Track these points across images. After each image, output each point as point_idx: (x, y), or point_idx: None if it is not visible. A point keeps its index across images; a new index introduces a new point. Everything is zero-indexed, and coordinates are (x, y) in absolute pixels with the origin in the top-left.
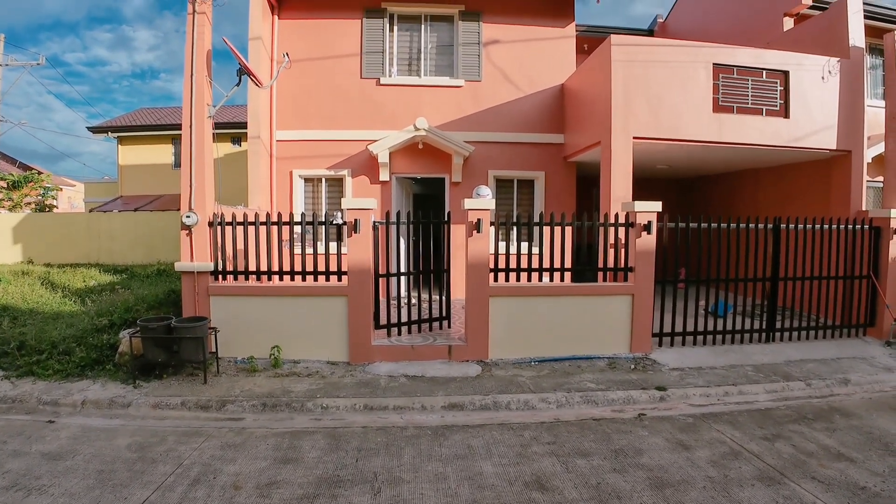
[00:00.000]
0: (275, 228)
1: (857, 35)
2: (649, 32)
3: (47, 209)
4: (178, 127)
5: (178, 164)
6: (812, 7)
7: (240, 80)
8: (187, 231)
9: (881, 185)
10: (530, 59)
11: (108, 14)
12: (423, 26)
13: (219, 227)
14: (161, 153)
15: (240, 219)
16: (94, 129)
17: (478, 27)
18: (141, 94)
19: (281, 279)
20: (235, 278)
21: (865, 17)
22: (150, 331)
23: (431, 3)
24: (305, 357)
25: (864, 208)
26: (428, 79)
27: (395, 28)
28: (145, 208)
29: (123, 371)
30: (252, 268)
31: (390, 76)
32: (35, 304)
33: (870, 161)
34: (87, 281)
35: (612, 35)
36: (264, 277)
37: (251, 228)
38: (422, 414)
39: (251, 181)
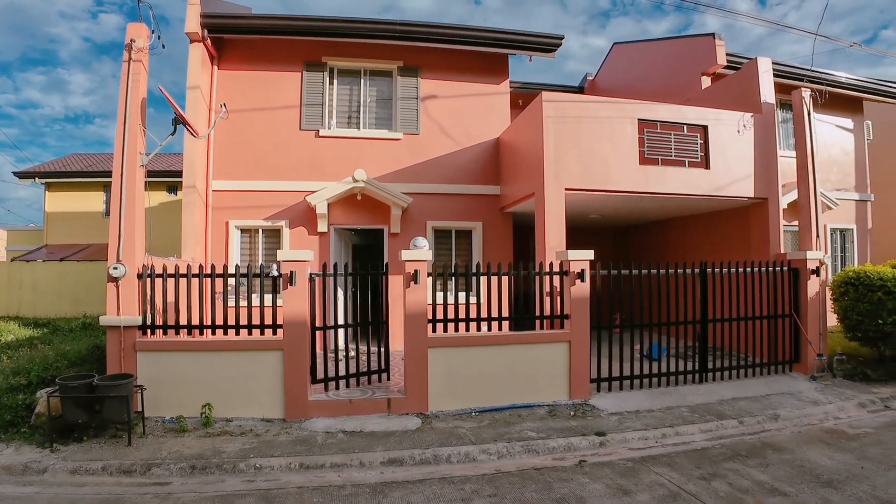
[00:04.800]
0: (208, 281)
1: (767, 92)
2: (580, 89)
3: None
4: (111, 174)
5: (108, 213)
6: (727, 67)
7: (175, 129)
8: (115, 283)
9: (797, 228)
10: (467, 113)
11: (44, 56)
12: (362, 80)
13: (148, 280)
14: (91, 201)
15: (171, 270)
16: (21, 175)
17: (416, 82)
18: (74, 138)
19: (213, 333)
20: (165, 333)
21: (775, 75)
22: (69, 389)
23: (371, 59)
24: (239, 415)
25: (782, 251)
26: (367, 131)
27: (335, 81)
28: (72, 258)
29: (40, 434)
30: (183, 322)
31: (330, 128)
32: None
33: (785, 207)
34: (3, 336)
35: (543, 92)
36: (196, 332)
37: (182, 281)
38: (360, 471)
39: (185, 231)
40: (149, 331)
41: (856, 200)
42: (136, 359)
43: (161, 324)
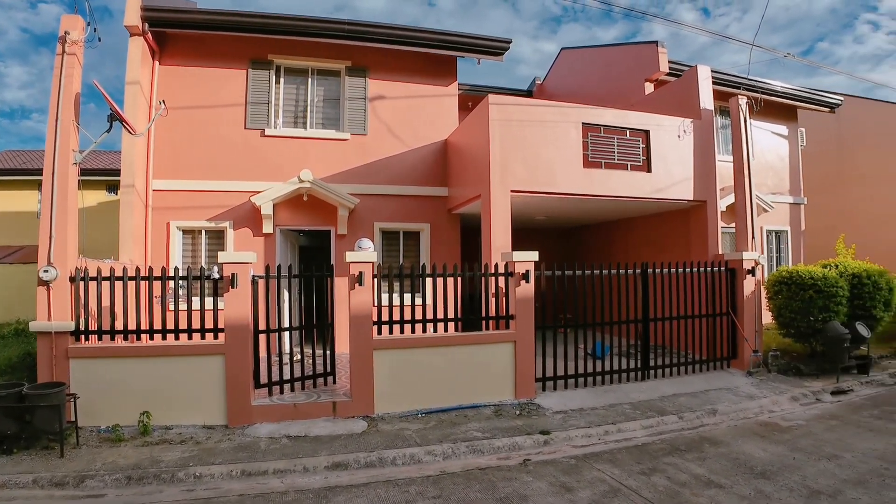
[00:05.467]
0: (145, 283)
1: (706, 99)
2: (529, 93)
3: None
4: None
5: None
6: (669, 74)
7: (111, 126)
8: (45, 287)
9: (734, 230)
10: (415, 114)
11: None
12: (310, 80)
13: (81, 283)
14: (25, 200)
15: (107, 273)
16: None
17: (364, 83)
18: (9, 134)
19: (152, 338)
20: (100, 338)
21: (714, 83)
22: None
23: (319, 58)
24: (179, 422)
25: (720, 252)
26: (314, 131)
27: (282, 80)
28: (5, 260)
29: None
30: (119, 327)
31: (276, 127)
32: None
33: (723, 210)
34: None
35: (489, 95)
36: (133, 337)
37: (118, 284)
38: (304, 476)
39: (123, 232)
40: (82, 336)
41: (790, 203)
42: (69, 366)
43: (95, 329)
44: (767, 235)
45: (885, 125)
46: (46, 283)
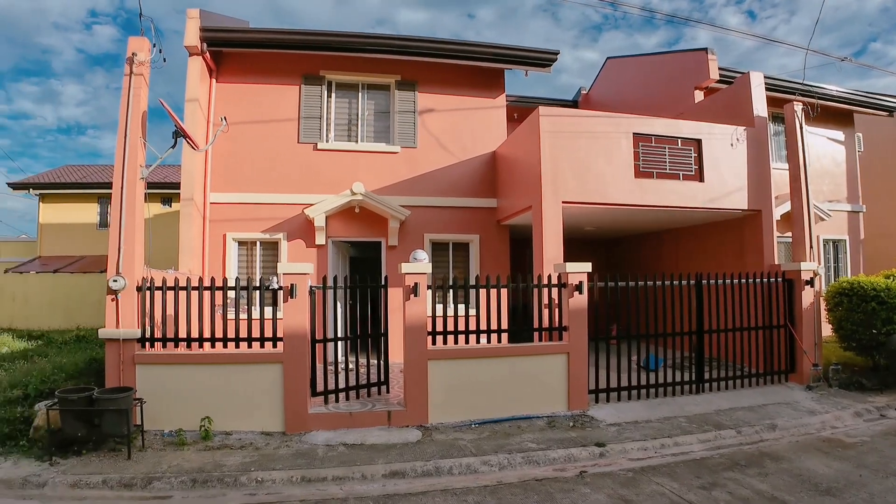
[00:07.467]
0: (207, 293)
1: (760, 105)
2: (574, 103)
3: None
4: (105, 185)
5: (102, 224)
6: (720, 81)
7: (175, 142)
8: (113, 296)
9: (790, 239)
10: (463, 127)
11: (37, 67)
12: (360, 94)
13: (147, 292)
14: (85, 212)
15: (170, 283)
16: (15, 185)
17: (413, 96)
18: (66, 149)
19: (213, 346)
20: (164, 346)
21: (767, 88)
22: (69, 402)
23: (369, 73)
24: (238, 428)
25: (776, 262)
26: (365, 144)
27: (333, 95)
28: (66, 270)
29: (39, 447)
30: (182, 335)
31: (327, 141)
32: None
33: (778, 218)
34: None
35: (540, 107)
36: (195, 345)
37: (182, 293)
38: (362, 483)
39: (182, 244)
40: (147, 344)
41: (848, 211)
42: (135, 372)
43: (160, 337)
44: (825, 245)
45: None
46: (115, 293)
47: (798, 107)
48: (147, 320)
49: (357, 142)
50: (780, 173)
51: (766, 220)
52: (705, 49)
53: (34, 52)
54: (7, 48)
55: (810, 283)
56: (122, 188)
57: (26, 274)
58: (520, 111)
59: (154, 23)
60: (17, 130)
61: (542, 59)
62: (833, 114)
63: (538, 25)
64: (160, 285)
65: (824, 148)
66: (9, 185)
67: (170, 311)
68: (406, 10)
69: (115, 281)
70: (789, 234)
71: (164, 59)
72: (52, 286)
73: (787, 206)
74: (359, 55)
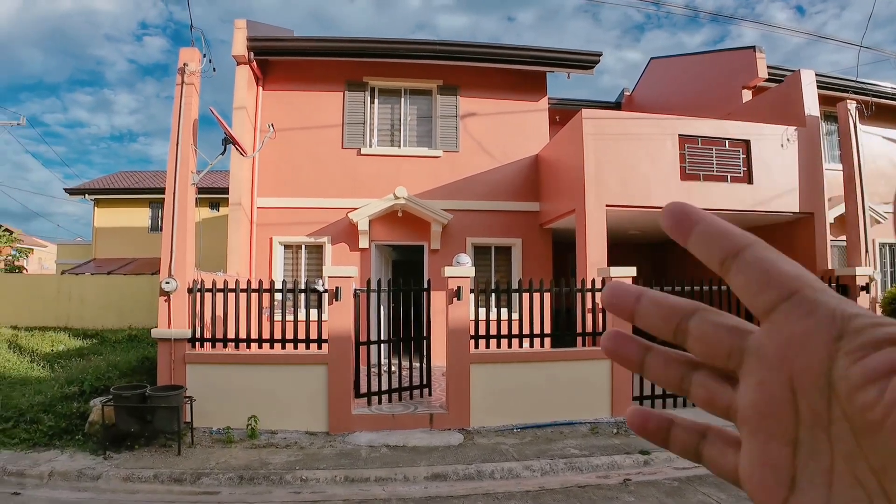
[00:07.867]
0: (255, 295)
1: (811, 104)
2: (617, 105)
3: (17, 270)
4: (156, 191)
5: (154, 228)
6: (769, 80)
7: (225, 148)
8: (166, 297)
9: (844, 243)
10: (505, 130)
11: (90, 77)
12: (402, 99)
13: (198, 294)
14: (138, 216)
15: (219, 285)
16: (72, 191)
17: (455, 101)
18: (118, 156)
19: (260, 347)
20: (213, 346)
21: (819, 86)
22: (123, 399)
23: (411, 78)
24: (283, 427)
25: (829, 267)
26: (407, 149)
27: (376, 100)
28: (119, 272)
29: (93, 441)
30: (231, 335)
31: (371, 146)
32: (1, 369)
33: (832, 221)
34: (55, 345)
35: (583, 109)
36: (243, 345)
37: (231, 295)
38: (404, 485)
39: (230, 247)
40: (198, 344)
41: None
42: (186, 371)
43: (210, 337)
44: (880, 248)
45: None
46: (167, 294)
47: (852, 105)
48: (197, 321)
49: (399, 146)
50: (833, 174)
51: (818, 223)
52: (753, 47)
53: (88, 63)
54: (63, 60)
55: (865, 288)
56: (174, 193)
57: (82, 275)
58: (562, 114)
59: (203, 33)
60: (73, 138)
61: (584, 61)
62: (888, 112)
63: (578, 26)
64: (210, 287)
65: (880, 148)
66: (65, 190)
67: (219, 312)
68: (446, 14)
69: (167, 283)
70: (843, 237)
71: (214, 69)
72: (105, 287)
73: (840, 209)
74: (401, 61)
